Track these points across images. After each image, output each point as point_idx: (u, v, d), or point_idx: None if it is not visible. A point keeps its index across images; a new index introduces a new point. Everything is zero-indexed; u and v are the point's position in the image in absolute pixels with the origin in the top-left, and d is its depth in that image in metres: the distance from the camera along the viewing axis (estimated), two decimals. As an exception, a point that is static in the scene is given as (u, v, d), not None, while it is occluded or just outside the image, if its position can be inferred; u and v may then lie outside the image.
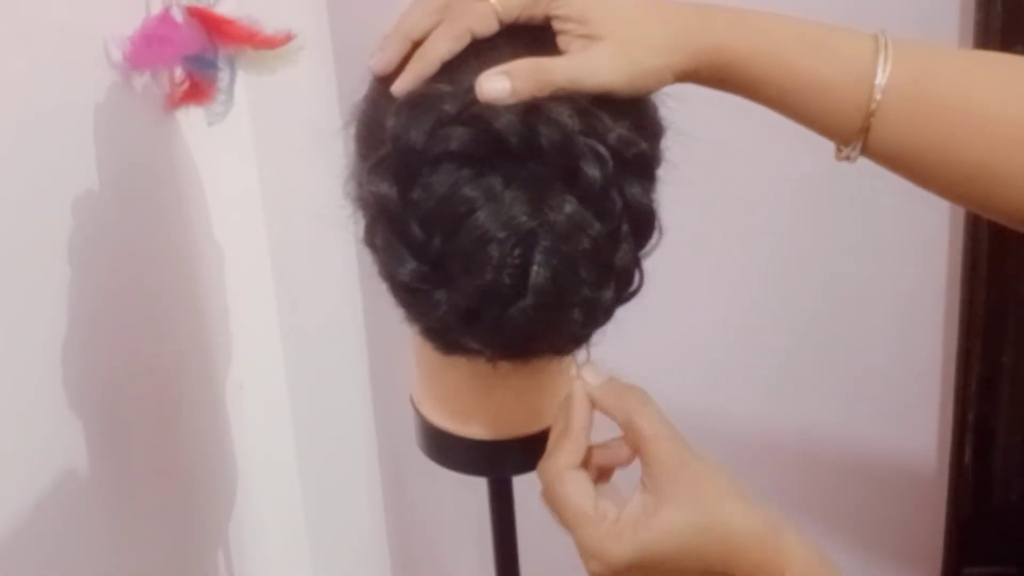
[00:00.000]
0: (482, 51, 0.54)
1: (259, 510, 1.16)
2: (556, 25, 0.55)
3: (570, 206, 0.50)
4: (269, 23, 0.87)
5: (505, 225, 0.49)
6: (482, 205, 0.49)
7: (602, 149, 0.51)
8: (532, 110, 0.50)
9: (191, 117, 0.92)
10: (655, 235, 0.55)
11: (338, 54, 1.21)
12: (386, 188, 0.51)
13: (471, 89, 0.51)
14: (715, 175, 1.07)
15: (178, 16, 0.82)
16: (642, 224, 0.53)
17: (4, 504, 0.63)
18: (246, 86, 0.94)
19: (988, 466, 1.49)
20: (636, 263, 0.54)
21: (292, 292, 1.25)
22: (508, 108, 0.50)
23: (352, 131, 0.58)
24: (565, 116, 0.51)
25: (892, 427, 1.51)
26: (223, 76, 0.85)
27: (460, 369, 0.58)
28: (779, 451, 1.53)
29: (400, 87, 0.54)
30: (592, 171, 0.50)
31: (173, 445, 0.94)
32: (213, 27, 0.82)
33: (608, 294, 0.53)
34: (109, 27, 0.78)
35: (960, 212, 1.33)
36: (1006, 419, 1.47)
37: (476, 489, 0.71)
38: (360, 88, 0.59)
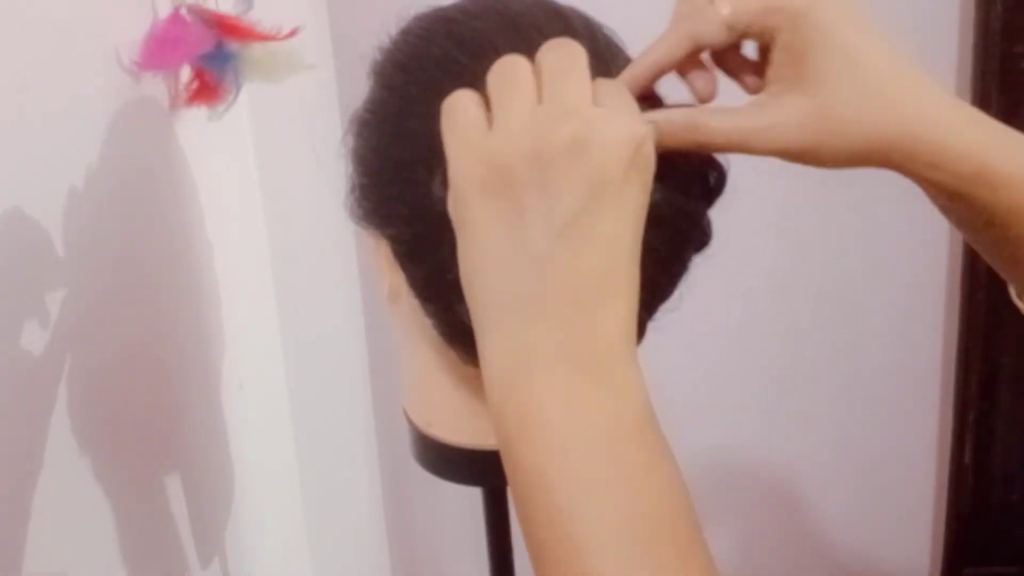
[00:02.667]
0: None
1: (259, 510, 1.16)
2: (773, 52, 0.48)
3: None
4: (268, 23, 0.87)
5: None
6: None
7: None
8: None
9: (191, 117, 0.92)
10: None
11: (338, 54, 1.22)
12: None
13: None
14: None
15: (187, 17, 0.82)
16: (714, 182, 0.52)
17: (4, 504, 0.63)
18: (246, 86, 0.94)
19: (988, 466, 1.49)
20: (707, 221, 0.53)
21: (292, 292, 1.25)
22: None
23: (373, 141, 0.54)
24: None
25: (892, 427, 1.51)
26: (230, 76, 0.85)
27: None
28: (779, 451, 1.53)
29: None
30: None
31: (173, 445, 0.94)
32: (219, 25, 0.82)
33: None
34: (115, 28, 0.78)
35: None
36: (1006, 419, 1.47)
37: (475, 490, 0.71)
38: (366, 91, 0.56)
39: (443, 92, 0.50)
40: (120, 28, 0.78)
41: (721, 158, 0.52)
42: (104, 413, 0.78)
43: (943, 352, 1.47)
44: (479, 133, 0.44)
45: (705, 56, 0.51)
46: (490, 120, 0.44)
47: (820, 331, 1.46)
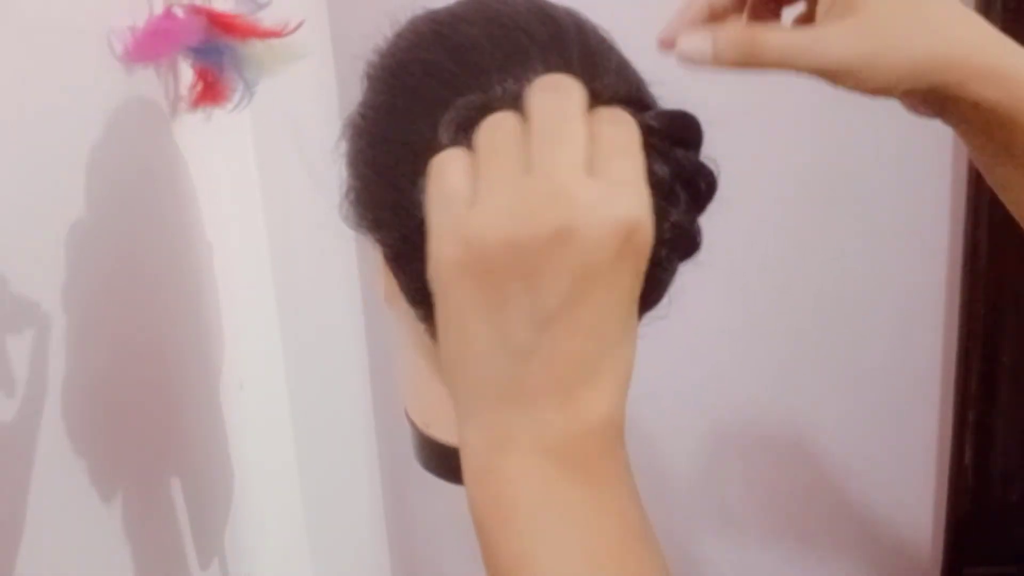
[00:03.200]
0: (546, 54, 0.49)
1: (259, 510, 1.16)
2: None
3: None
4: (269, 22, 0.87)
5: None
6: None
7: (655, 124, 0.48)
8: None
9: (191, 117, 0.92)
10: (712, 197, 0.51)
11: (338, 54, 1.22)
12: None
13: (519, 96, 0.45)
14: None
15: (179, 13, 0.82)
16: (696, 185, 0.51)
17: (4, 504, 0.63)
18: (253, 81, 0.94)
19: (988, 466, 1.49)
20: (697, 229, 0.53)
21: (292, 292, 1.25)
22: None
23: (363, 146, 0.54)
24: (640, 108, 0.48)
25: (892, 427, 1.51)
26: (233, 74, 0.85)
27: None
28: (779, 450, 1.53)
29: (663, 37, 0.50)
30: (660, 159, 0.49)
31: (173, 445, 0.94)
32: (215, 22, 0.82)
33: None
34: (112, 28, 0.78)
35: (960, 212, 1.33)
36: (1006, 419, 1.47)
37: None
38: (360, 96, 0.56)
39: (428, 97, 0.50)
40: (118, 27, 0.78)
41: (711, 164, 0.52)
42: (104, 413, 0.78)
43: (943, 352, 1.47)
44: (461, 205, 0.40)
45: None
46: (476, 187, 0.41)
47: (820, 331, 1.46)
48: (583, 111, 0.41)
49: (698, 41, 0.48)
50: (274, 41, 0.85)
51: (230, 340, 1.08)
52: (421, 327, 0.56)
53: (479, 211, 0.39)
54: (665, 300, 0.54)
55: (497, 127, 0.41)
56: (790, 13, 0.53)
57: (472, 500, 0.43)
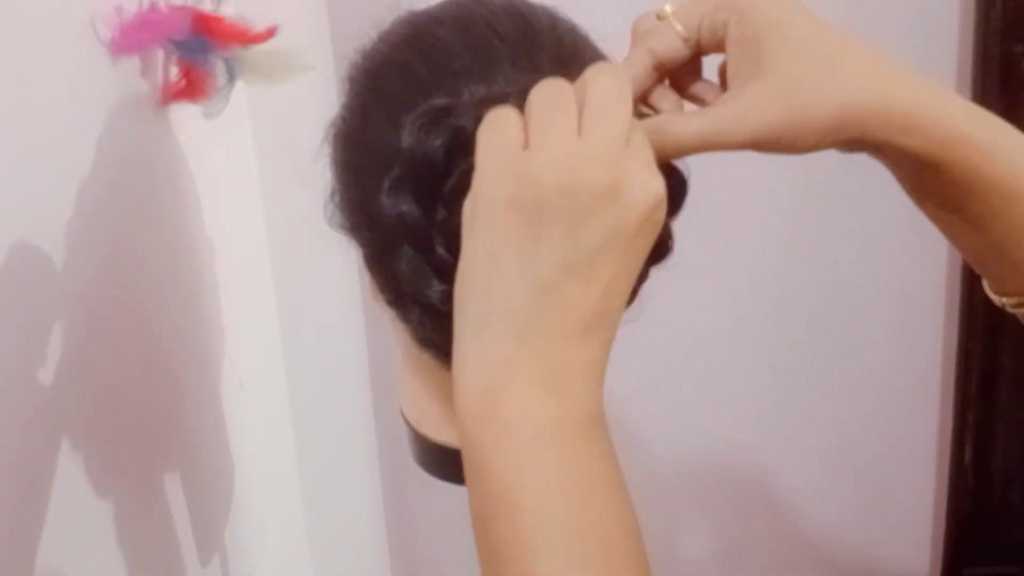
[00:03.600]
0: (516, 56, 0.50)
1: (259, 510, 1.16)
2: (728, 50, 0.49)
3: None
4: (268, 22, 0.87)
5: None
6: None
7: None
8: None
9: (191, 117, 0.92)
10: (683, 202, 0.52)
11: (338, 54, 1.22)
12: (411, 208, 0.48)
13: (485, 100, 0.47)
14: (713, 174, 1.07)
15: (163, 7, 0.82)
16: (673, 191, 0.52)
17: (3, 504, 0.63)
18: (246, 87, 0.94)
19: (988, 466, 1.49)
20: (668, 233, 0.53)
21: (292, 291, 1.25)
22: None
23: (340, 148, 0.55)
24: None
25: (892, 427, 1.51)
26: (221, 76, 0.85)
27: None
28: (779, 451, 1.53)
29: None
30: None
31: (173, 445, 0.94)
32: (199, 22, 0.82)
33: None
34: (99, 17, 0.77)
35: (960, 212, 1.34)
36: (1006, 419, 1.47)
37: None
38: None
39: (397, 100, 0.50)
40: (102, 18, 0.78)
41: (681, 166, 0.52)
42: (103, 413, 0.78)
43: (943, 352, 1.47)
44: (518, 151, 0.44)
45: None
46: (527, 141, 0.44)
47: (820, 331, 1.46)
48: (630, 95, 0.45)
49: None
50: (273, 49, 0.85)
51: (230, 340, 1.08)
52: (400, 327, 0.56)
53: (538, 155, 0.43)
54: (636, 303, 0.54)
55: (553, 89, 0.45)
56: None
57: (463, 415, 0.45)
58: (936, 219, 0.53)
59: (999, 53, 1.28)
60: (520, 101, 0.46)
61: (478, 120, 0.46)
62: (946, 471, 1.52)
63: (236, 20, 0.84)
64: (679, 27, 0.49)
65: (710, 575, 1.60)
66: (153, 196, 0.90)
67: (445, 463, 0.63)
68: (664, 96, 0.51)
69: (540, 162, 0.43)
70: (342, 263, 1.28)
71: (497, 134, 0.45)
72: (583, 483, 0.43)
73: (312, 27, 1.18)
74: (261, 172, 1.18)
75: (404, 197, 0.48)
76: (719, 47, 0.50)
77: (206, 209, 1.01)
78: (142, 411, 0.86)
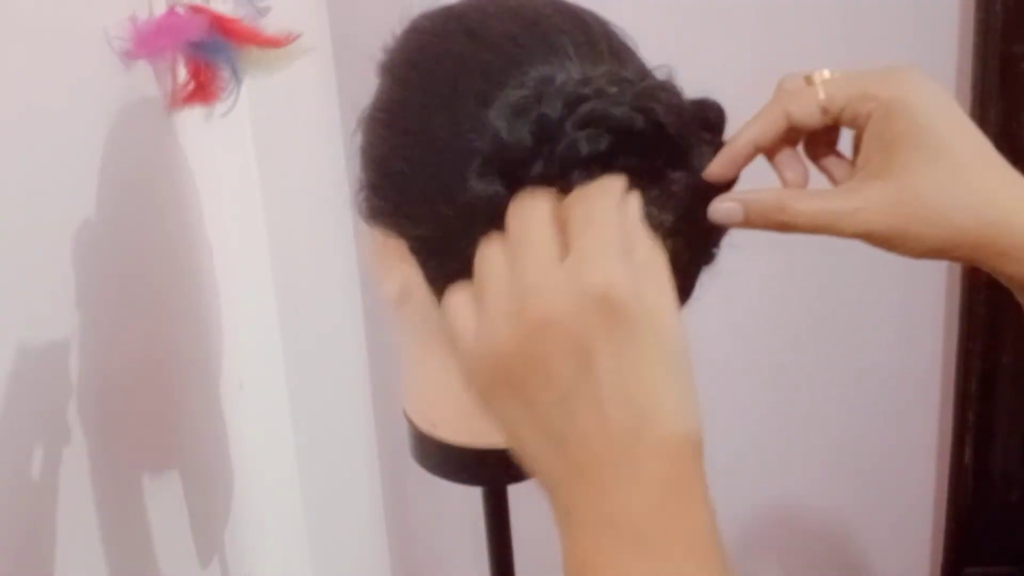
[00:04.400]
0: (577, 45, 0.51)
1: (259, 510, 1.16)
2: (864, 137, 0.49)
3: (689, 181, 0.50)
4: (270, 22, 0.87)
5: (651, 224, 0.47)
6: None
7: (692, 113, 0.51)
8: (635, 95, 0.48)
9: (191, 117, 0.92)
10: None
11: (338, 54, 1.22)
12: (501, 191, 0.48)
13: (572, 84, 0.48)
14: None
15: (181, 12, 0.82)
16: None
17: (3, 504, 0.63)
18: (246, 86, 0.94)
19: (988, 466, 1.49)
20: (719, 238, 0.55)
21: (292, 292, 1.25)
22: (612, 100, 0.47)
23: (390, 140, 0.54)
24: (668, 87, 0.50)
25: (892, 427, 1.51)
26: (227, 74, 0.85)
27: None
28: (779, 450, 1.53)
29: (711, 172, 0.50)
30: (702, 147, 0.50)
31: (173, 445, 0.94)
32: (216, 24, 0.82)
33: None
34: (112, 26, 0.78)
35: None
36: (1006, 419, 1.47)
37: (475, 490, 0.71)
38: (367, 90, 0.56)
39: (466, 89, 0.50)
40: (117, 26, 0.78)
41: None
42: (104, 413, 0.78)
43: (943, 352, 1.47)
44: (469, 340, 0.44)
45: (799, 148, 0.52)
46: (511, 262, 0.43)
47: (820, 331, 1.46)
48: (547, 214, 0.44)
49: (728, 208, 0.49)
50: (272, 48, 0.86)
51: (230, 340, 1.08)
52: (437, 324, 0.55)
53: (478, 339, 0.43)
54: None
55: (480, 258, 0.45)
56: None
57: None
58: None
59: (999, 53, 1.28)
60: (600, 88, 0.47)
61: (562, 107, 0.48)
62: (946, 471, 1.52)
63: (249, 21, 0.84)
64: (823, 96, 0.49)
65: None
66: (154, 196, 0.90)
67: (456, 465, 0.63)
68: (790, 164, 0.52)
69: (481, 346, 0.43)
70: (342, 263, 1.28)
71: (450, 329, 0.45)
72: None
73: (312, 27, 1.18)
74: (261, 172, 1.17)
75: (493, 180, 0.49)
76: (857, 129, 0.50)
77: (206, 209, 1.01)
78: (142, 411, 0.86)
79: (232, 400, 1.08)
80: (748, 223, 0.49)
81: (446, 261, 0.53)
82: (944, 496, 1.53)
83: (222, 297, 1.06)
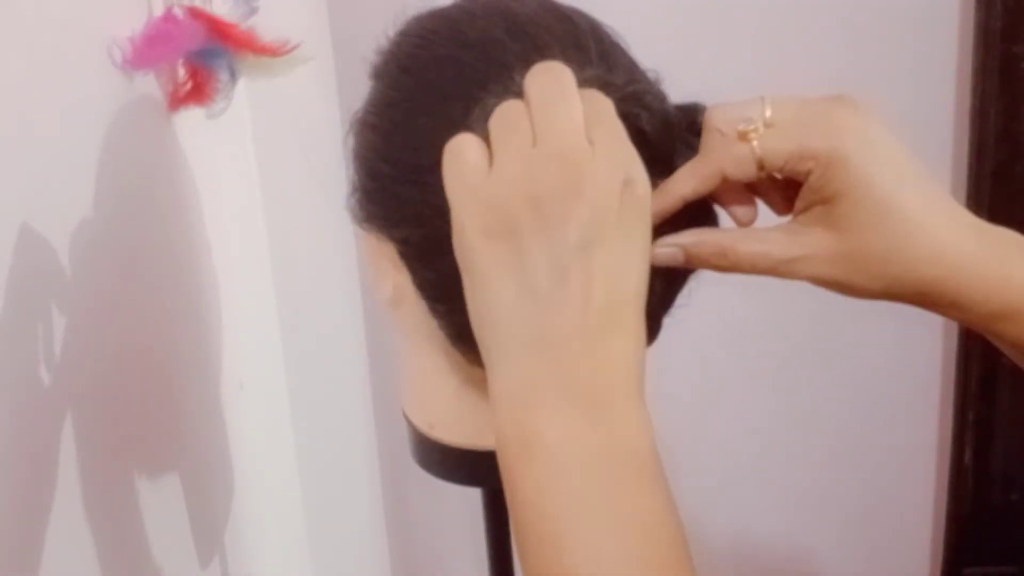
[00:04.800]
0: (565, 49, 0.50)
1: (259, 510, 1.16)
2: (803, 192, 0.48)
3: None
4: (269, 23, 0.87)
5: None
6: None
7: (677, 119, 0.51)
8: (618, 101, 0.48)
9: (191, 117, 0.92)
10: None
11: (338, 55, 1.22)
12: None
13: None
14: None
15: (179, 15, 0.82)
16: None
17: (3, 504, 0.63)
18: (246, 86, 0.94)
19: (988, 466, 1.49)
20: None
21: (292, 292, 1.25)
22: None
23: (377, 143, 0.54)
24: (653, 94, 0.50)
25: (892, 427, 1.51)
26: (223, 75, 0.85)
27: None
28: (779, 451, 1.53)
29: (668, 241, 0.49)
30: (687, 149, 0.50)
31: (173, 445, 0.94)
32: (214, 28, 0.82)
33: None
34: (111, 27, 0.78)
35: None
36: (1006, 419, 1.47)
37: (475, 491, 0.71)
38: (366, 91, 0.56)
39: (451, 93, 0.50)
40: (118, 27, 0.78)
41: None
42: (104, 413, 0.78)
43: (943, 352, 1.47)
44: (480, 177, 0.45)
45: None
46: (491, 164, 0.45)
47: (820, 331, 1.46)
48: (574, 88, 0.46)
49: (669, 253, 0.49)
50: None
51: (230, 340, 1.08)
52: (435, 324, 0.55)
53: (495, 178, 0.44)
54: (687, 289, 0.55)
55: (505, 109, 0.46)
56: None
57: (500, 444, 0.45)
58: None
59: (999, 53, 1.28)
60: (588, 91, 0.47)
61: None
62: (946, 471, 1.52)
63: (247, 26, 0.84)
64: (759, 153, 0.48)
65: (710, 572, 1.59)
66: (153, 196, 0.90)
67: (454, 466, 0.63)
68: (736, 201, 0.51)
69: (500, 183, 0.44)
70: (342, 263, 1.28)
71: (458, 164, 0.46)
72: (615, 495, 0.42)
73: (312, 27, 1.18)
74: (261, 172, 1.18)
75: None
76: (795, 181, 0.49)
77: (206, 209, 1.01)
78: (142, 411, 0.86)
79: (232, 400, 1.08)
80: (691, 265, 0.49)
81: (431, 267, 0.53)
82: (944, 496, 1.53)
83: (222, 297, 1.06)
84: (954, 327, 1.44)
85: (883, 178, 0.47)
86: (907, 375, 1.48)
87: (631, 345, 0.45)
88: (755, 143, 0.48)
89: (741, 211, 0.51)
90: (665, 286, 0.51)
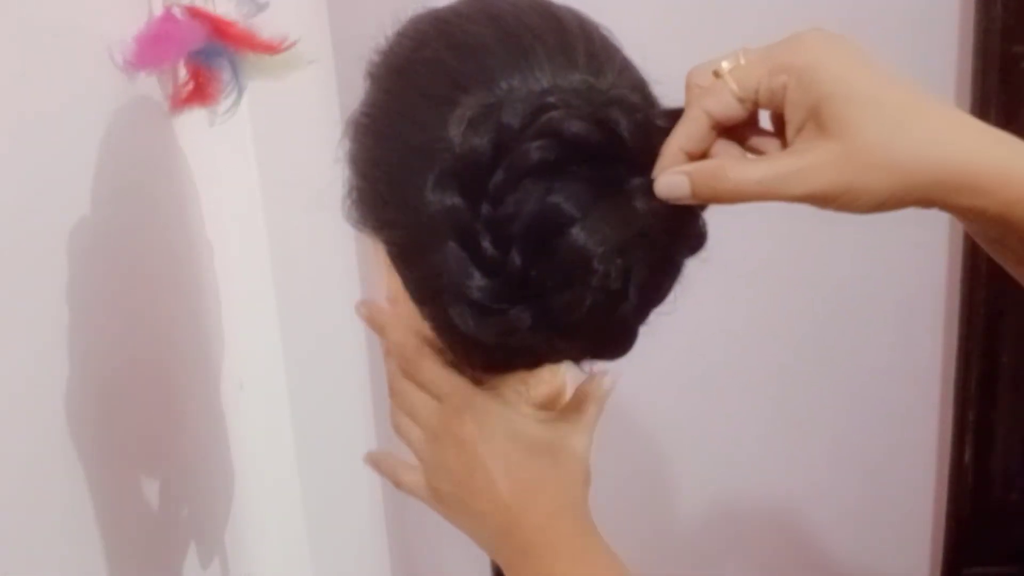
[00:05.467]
0: (552, 53, 0.50)
1: (259, 510, 1.16)
2: (787, 111, 0.48)
3: (647, 195, 0.49)
4: (269, 24, 0.87)
5: (603, 239, 0.48)
6: (578, 220, 0.47)
7: (661, 123, 0.50)
8: (599, 106, 0.48)
9: (192, 118, 0.92)
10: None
11: (338, 55, 1.22)
12: (457, 202, 0.48)
13: (529, 96, 0.48)
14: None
15: (179, 15, 0.82)
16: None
17: (2, 504, 0.63)
18: (248, 84, 0.94)
19: (988, 466, 1.49)
20: (702, 226, 0.54)
21: (292, 292, 1.25)
22: (574, 111, 0.47)
23: (367, 144, 0.55)
24: (634, 99, 0.50)
25: (892, 427, 1.51)
26: (226, 76, 0.85)
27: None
28: (779, 451, 1.53)
29: (673, 170, 0.49)
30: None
31: (173, 445, 0.94)
32: (214, 27, 0.82)
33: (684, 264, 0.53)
34: (111, 28, 0.78)
35: (960, 212, 1.34)
36: (1006, 419, 1.47)
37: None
38: (361, 93, 0.56)
39: (434, 96, 0.50)
40: (118, 28, 0.78)
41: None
42: (104, 413, 0.78)
43: (943, 352, 1.47)
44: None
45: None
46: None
47: (820, 331, 1.46)
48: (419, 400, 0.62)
49: (674, 180, 0.48)
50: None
51: (230, 340, 1.08)
52: (426, 326, 0.56)
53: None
54: (671, 296, 0.54)
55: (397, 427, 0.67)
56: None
57: None
58: (1009, 268, 0.52)
59: (999, 53, 1.28)
60: (564, 98, 0.47)
61: (523, 116, 0.47)
62: (946, 471, 1.52)
63: (246, 25, 0.84)
64: (735, 87, 0.48)
65: (711, 573, 1.60)
66: (154, 197, 0.90)
67: None
68: (725, 149, 0.51)
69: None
70: (342, 263, 1.28)
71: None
72: None
73: (312, 27, 1.18)
74: (261, 172, 1.18)
75: (451, 192, 0.48)
76: (778, 108, 0.49)
77: (206, 209, 1.01)
78: (142, 411, 0.86)
79: (232, 400, 1.08)
80: (696, 196, 0.48)
81: (414, 268, 0.53)
82: (944, 496, 1.54)
83: (222, 297, 1.06)
84: (954, 327, 1.44)
85: (862, 73, 0.47)
86: (907, 375, 1.49)
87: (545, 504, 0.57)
88: (727, 76, 0.48)
89: (754, 140, 0.51)
90: (639, 297, 0.51)
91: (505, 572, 0.57)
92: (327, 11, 1.20)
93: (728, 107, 0.49)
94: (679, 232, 0.51)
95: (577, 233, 0.48)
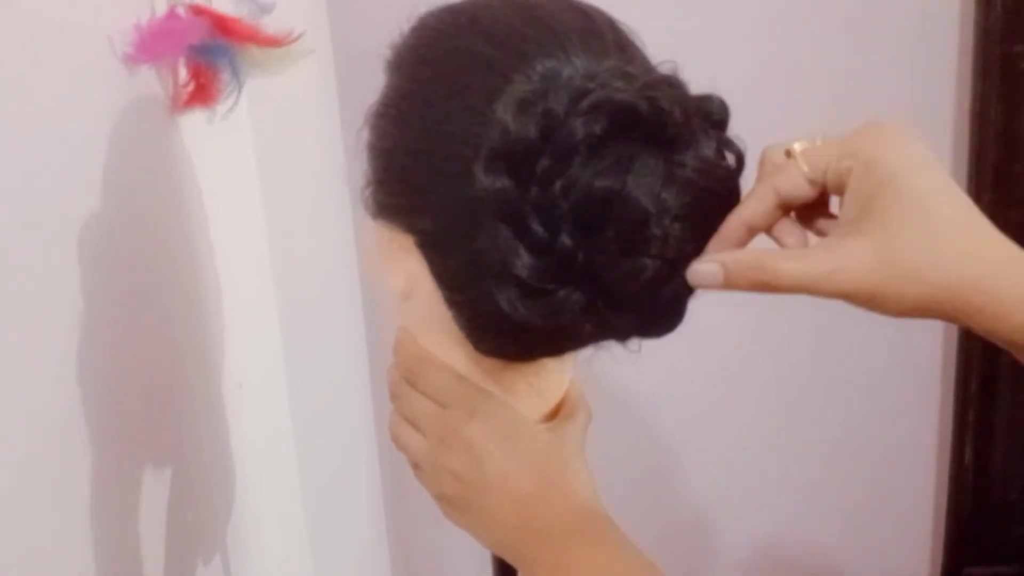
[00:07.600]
0: (585, 38, 0.51)
1: (259, 510, 1.16)
2: (845, 198, 0.49)
3: (697, 165, 0.50)
4: (270, 22, 0.87)
5: (660, 205, 0.49)
6: (631, 189, 0.48)
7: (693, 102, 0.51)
8: (643, 86, 0.49)
9: (192, 117, 0.92)
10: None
11: (338, 54, 1.22)
12: (506, 183, 0.49)
13: (579, 76, 0.49)
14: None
15: (182, 13, 0.82)
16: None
17: (2, 503, 0.63)
18: (246, 86, 0.94)
19: (988, 466, 1.49)
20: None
21: (292, 292, 1.25)
22: (618, 91, 0.48)
23: (395, 133, 0.55)
24: (679, 86, 0.51)
25: (892, 427, 1.51)
26: (227, 76, 0.85)
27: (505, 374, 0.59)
28: (780, 450, 1.53)
29: (707, 259, 0.50)
30: (706, 139, 0.51)
31: (172, 445, 0.94)
32: (217, 24, 0.82)
33: None
34: (114, 27, 0.78)
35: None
36: (1006, 419, 1.47)
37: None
38: (367, 90, 0.56)
39: (472, 84, 0.51)
40: (119, 28, 0.78)
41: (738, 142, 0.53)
42: (104, 413, 0.78)
43: (943, 352, 1.47)
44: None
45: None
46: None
47: (820, 331, 1.46)
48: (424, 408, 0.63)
49: (708, 269, 0.50)
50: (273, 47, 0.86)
51: (230, 340, 1.08)
52: (448, 315, 0.56)
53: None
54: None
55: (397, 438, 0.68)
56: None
57: None
58: None
59: (999, 53, 1.28)
60: (605, 79, 0.48)
61: (570, 98, 0.48)
62: (946, 470, 1.52)
63: (249, 20, 0.84)
64: (805, 168, 0.50)
65: (711, 572, 1.60)
66: (154, 197, 0.90)
67: None
68: (789, 230, 0.52)
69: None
70: (342, 263, 1.28)
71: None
72: None
73: (312, 27, 1.18)
74: (261, 172, 1.18)
75: (500, 174, 0.49)
76: (843, 192, 0.50)
77: (207, 210, 1.01)
78: (142, 411, 0.86)
79: (232, 400, 1.08)
80: (729, 285, 0.49)
81: (452, 254, 0.53)
82: (944, 496, 1.54)
83: (222, 297, 1.06)
84: (954, 327, 1.44)
85: (920, 180, 0.47)
86: (907, 375, 1.49)
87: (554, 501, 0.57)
88: (799, 156, 0.50)
89: (792, 240, 0.52)
90: (594, 329, 0.52)
91: (519, 566, 0.56)
92: (327, 10, 1.20)
93: (796, 187, 0.50)
94: (726, 201, 0.52)
95: (634, 200, 0.48)
